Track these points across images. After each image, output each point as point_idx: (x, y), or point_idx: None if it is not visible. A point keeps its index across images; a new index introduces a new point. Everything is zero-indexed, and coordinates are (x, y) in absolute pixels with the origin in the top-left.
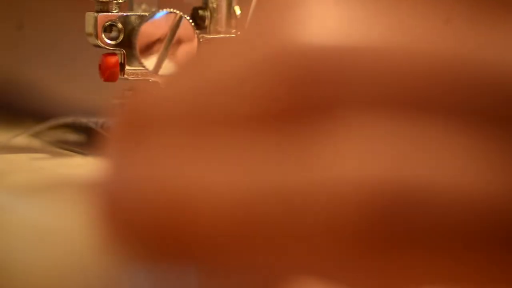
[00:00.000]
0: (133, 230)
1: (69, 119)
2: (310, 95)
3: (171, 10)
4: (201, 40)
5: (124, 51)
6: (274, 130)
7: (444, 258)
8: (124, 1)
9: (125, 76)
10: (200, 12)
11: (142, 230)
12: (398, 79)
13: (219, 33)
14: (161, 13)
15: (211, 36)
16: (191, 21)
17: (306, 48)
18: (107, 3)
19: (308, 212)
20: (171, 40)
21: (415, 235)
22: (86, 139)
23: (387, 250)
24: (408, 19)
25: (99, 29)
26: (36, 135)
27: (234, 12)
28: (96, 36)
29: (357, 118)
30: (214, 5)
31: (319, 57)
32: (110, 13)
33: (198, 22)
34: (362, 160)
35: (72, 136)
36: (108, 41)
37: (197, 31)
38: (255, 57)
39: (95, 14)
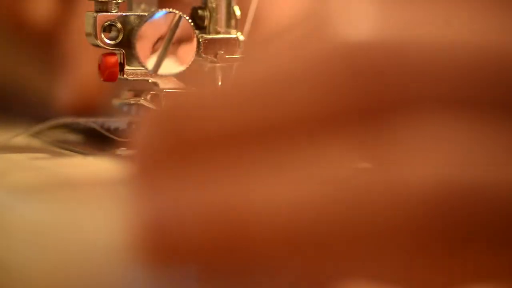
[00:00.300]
0: (179, 252)
1: (69, 119)
2: (373, 92)
3: (171, 10)
4: (200, 40)
5: (123, 51)
6: (338, 131)
7: (504, 253)
8: (123, 1)
9: (125, 76)
10: (200, 12)
11: (190, 252)
12: (459, 74)
13: (218, 33)
14: (161, 13)
15: (211, 36)
16: (190, 21)
17: (366, 45)
18: (106, 3)
19: (375, 212)
20: (170, 40)
21: (479, 231)
22: (86, 139)
23: (451, 248)
24: (456, 14)
25: (98, 29)
26: (36, 135)
27: (234, 12)
28: (95, 36)
29: (421, 114)
30: (214, 5)
31: (380, 52)
32: (109, 13)
33: (198, 22)
34: (426, 157)
35: (72, 136)
36: (108, 41)
37: (197, 31)
38: (313, 57)
39: (94, 14)
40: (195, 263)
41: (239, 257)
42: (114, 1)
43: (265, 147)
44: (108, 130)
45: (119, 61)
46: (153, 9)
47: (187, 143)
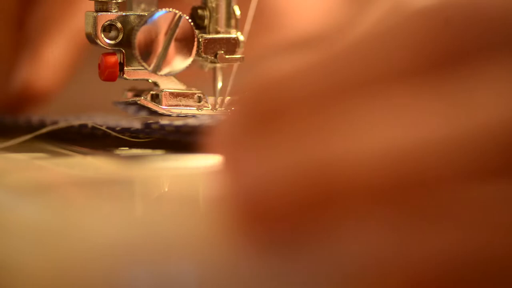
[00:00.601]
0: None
1: (70, 122)
2: (454, 44)
3: (170, 9)
4: (200, 40)
5: (123, 50)
6: (428, 81)
7: None
8: (123, 1)
9: (125, 76)
10: (200, 11)
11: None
12: None
13: (218, 32)
14: (160, 13)
15: (210, 36)
16: (190, 20)
17: (441, 7)
18: (106, 2)
19: (462, 156)
20: (170, 39)
21: None
22: (87, 139)
23: None
24: None
25: (99, 28)
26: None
27: (234, 11)
28: (96, 36)
29: (495, 63)
30: (214, 5)
31: (454, 11)
32: (109, 13)
33: (198, 22)
34: (504, 101)
35: (72, 136)
36: (108, 41)
37: (197, 31)
38: (398, 17)
39: (95, 13)
40: (290, 224)
41: (335, 212)
42: (114, 1)
43: (358, 101)
44: (113, 130)
45: (119, 61)
46: (153, 9)
47: (279, 103)
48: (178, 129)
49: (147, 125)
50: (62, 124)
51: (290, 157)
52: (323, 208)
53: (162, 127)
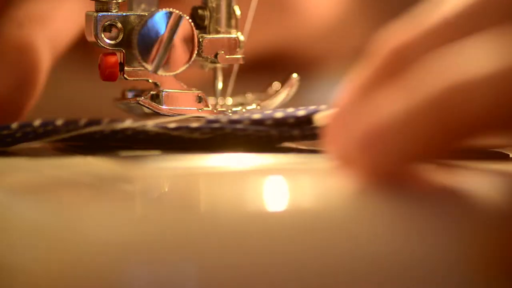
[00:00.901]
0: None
1: (74, 131)
2: None
3: (171, 9)
4: (200, 40)
5: (123, 50)
6: None
7: None
8: (124, 1)
9: (125, 76)
10: (200, 11)
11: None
12: None
13: (218, 32)
14: (161, 13)
15: (211, 36)
16: (190, 20)
17: None
18: (106, 2)
19: None
20: (170, 39)
21: None
22: (88, 139)
23: None
24: None
25: (99, 28)
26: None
27: (234, 11)
28: (96, 36)
29: None
30: (214, 5)
31: None
32: (109, 13)
33: (198, 22)
34: None
35: (74, 136)
36: (108, 41)
37: (197, 31)
38: None
39: (95, 13)
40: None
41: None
42: (115, 1)
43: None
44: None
45: (119, 61)
46: (153, 9)
47: (404, 61)
48: (259, 122)
49: (211, 121)
50: (61, 135)
51: (413, 98)
52: (448, 144)
53: (235, 121)
